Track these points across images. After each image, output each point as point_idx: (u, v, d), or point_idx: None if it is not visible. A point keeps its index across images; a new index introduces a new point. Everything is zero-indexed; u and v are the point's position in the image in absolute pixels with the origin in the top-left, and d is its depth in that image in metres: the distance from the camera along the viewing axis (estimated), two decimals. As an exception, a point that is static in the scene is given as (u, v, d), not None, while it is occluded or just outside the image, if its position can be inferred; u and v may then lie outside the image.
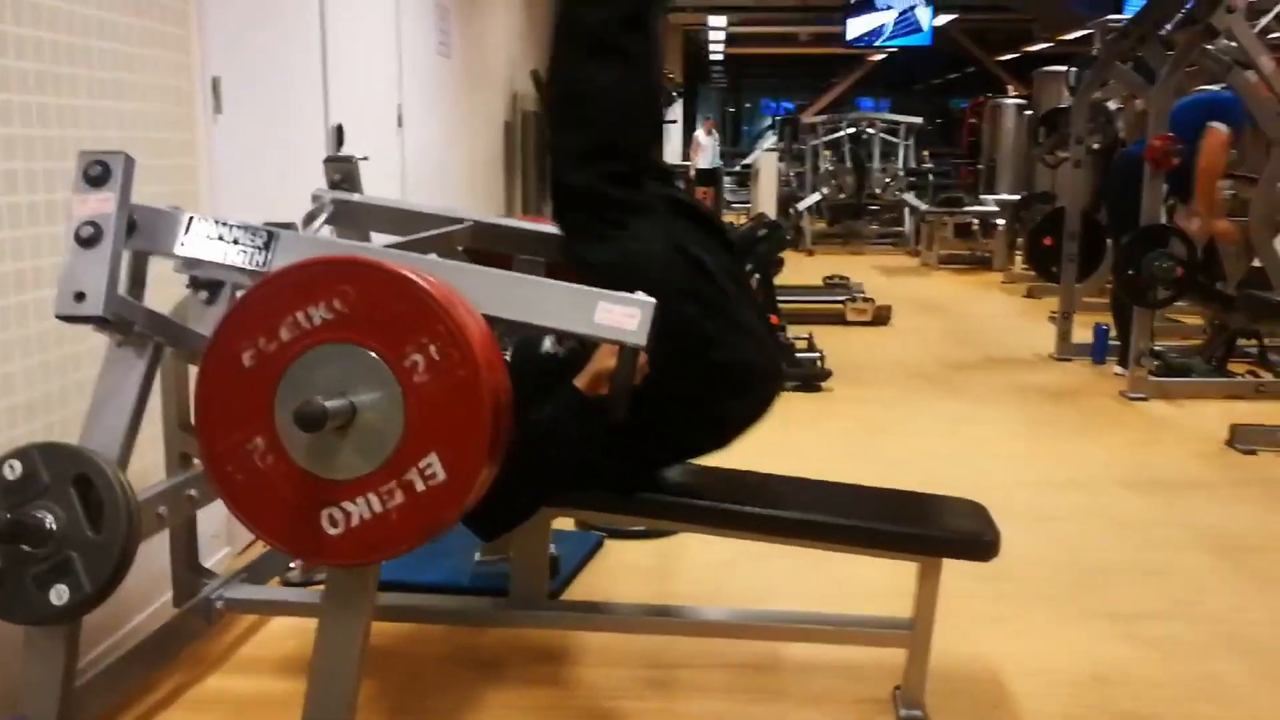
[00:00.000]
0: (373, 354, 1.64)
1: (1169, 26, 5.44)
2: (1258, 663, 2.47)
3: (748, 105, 32.90)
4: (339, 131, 3.78)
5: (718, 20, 16.42)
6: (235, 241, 1.84)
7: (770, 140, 17.19)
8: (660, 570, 3.00)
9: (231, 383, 1.66)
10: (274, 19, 3.32)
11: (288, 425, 1.63)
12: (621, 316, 1.75)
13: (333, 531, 1.66)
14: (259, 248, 1.83)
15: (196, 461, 2.23)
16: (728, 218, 13.58)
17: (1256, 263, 5.17)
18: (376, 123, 4.29)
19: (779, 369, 2.13)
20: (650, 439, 2.05)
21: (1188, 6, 5.35)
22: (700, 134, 17.48)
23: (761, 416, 2.13)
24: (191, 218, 1.85)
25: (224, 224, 1.84)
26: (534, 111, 7.23)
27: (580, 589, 2.85)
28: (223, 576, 2.38)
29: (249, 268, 1.84)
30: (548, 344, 2.14)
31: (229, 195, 2.87)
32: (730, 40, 19.32)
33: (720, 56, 22.07)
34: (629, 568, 3.00)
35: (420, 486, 1.64)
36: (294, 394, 1.63)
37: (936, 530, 2.16)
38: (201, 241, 1.84)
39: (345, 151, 3.55)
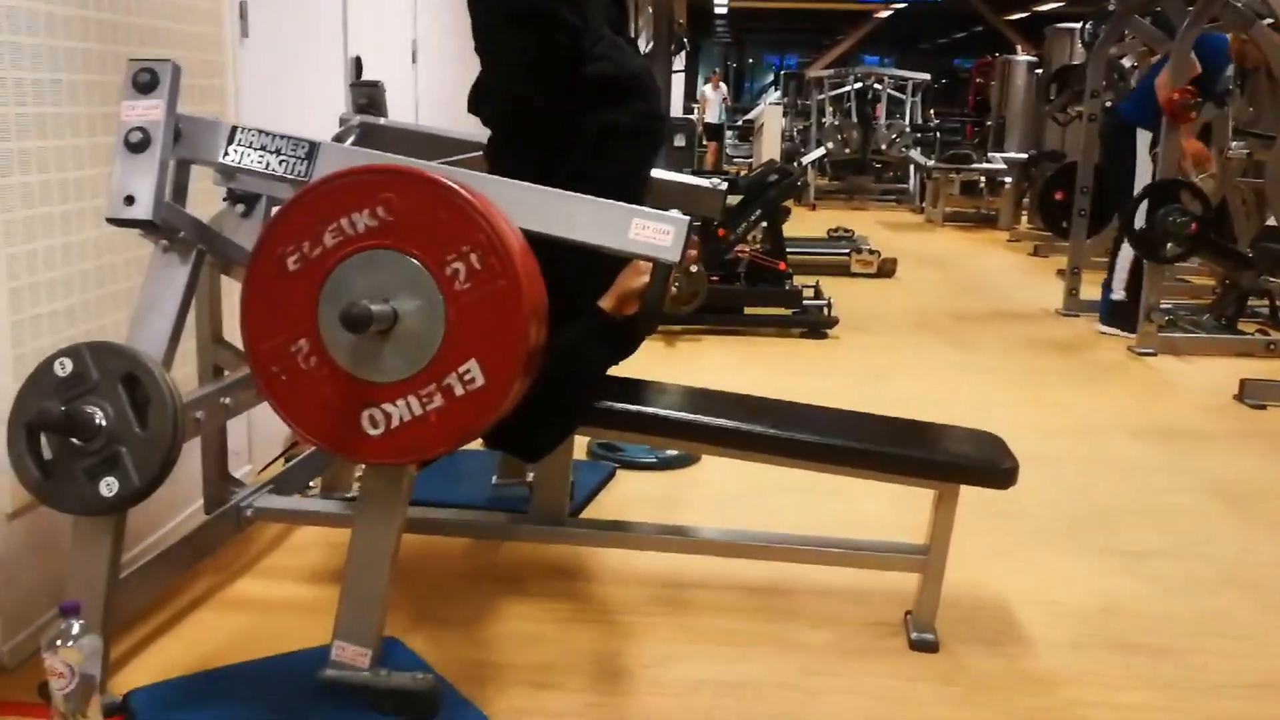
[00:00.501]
0: (415, 261, 1.67)
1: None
2: (1263, 599, 2.54)
3: (750, 60, 32.69)
4: (358, 63, 3.78)
5: (726, -30, 16.28)
6: (278, 152, 1.86)
7: (774, 95, 17.11)
8: (670, 500, 3.06)
9: (276, 286, 1.70)
10: (300, -57, 3.32)
11: (331, 328, 1.67)
12: (655, 233, 1.78)
13: (373, 432, 1.71)
14: (301, 158, 1.85)
15: (228, 373, 2.27)
16: (731, 170, 13.56)
17: (1271, 222, 5.19)
18: (392, 57, 4.29)
19: (652, 88, 2.19)
20: None
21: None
22: (707, 89, 17.37)
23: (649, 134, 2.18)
24: (235, 127, 1.88)
25: (267, 134, 1.86)
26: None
27: (592, 515, 2.90)
28: (252, 486, 2.43)
29: (290, 177, 1.86)
30: None
31: (252, 120, 2.87)
32: (737, -9, 19.18)
33: (724, 10, 21.90)
34: (640, 498, 3.05)
35: (459, 391, 1.68)
36: (337, 298, 1.67)
37: (956, 456, 2.21)
38: (245, 151, 1.87)
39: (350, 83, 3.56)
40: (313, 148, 1.85)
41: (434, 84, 4.86)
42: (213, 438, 2.36)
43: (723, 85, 17.78)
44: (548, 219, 1.80)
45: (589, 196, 1.84)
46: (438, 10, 4.98)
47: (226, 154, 1.87)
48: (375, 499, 1.84)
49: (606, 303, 2.02)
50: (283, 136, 1.87)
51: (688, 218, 1.78)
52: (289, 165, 1.86)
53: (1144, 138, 5.23)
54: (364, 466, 3.04)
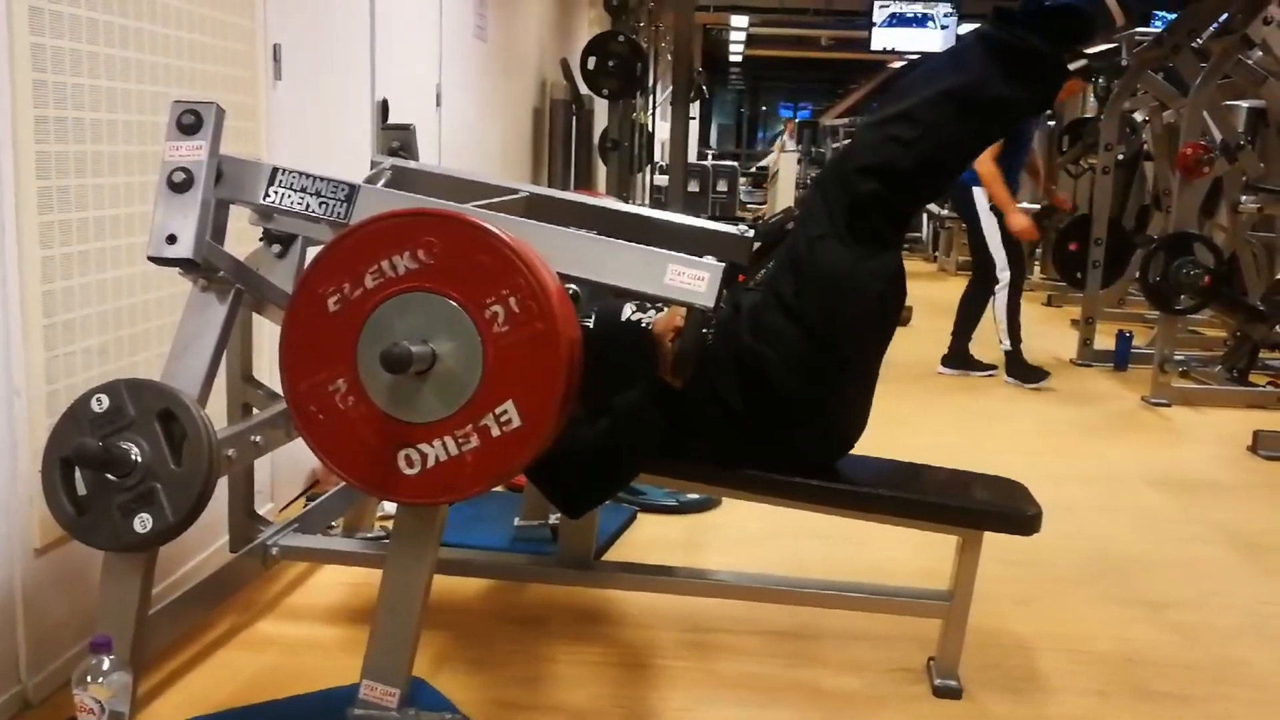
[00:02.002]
0: (455, 303, 1.69)
1: (1202, 38, 5.49)
2: (1282, 650, 2.53)
3: (764, 108, 32.95)
4: (384, 106, 3.84)
5: (739, 20, 16.45)
6: (318, 194, 1.90)
7: (789, 143, 17.24)
8: (691, 544, 3.06)
9: (316, 325, 1.72)
10: (331, -9, 3.39)
11: (370, 368, 1.69)
12: (691, 279, 1.81)
13: (409, 471, 1.72)
14: (340, 200, 1.89)
15: (256, 411, 2.29)
16: (743, 214, 13.63)
17: (1280, 275, 5.22)
18: (417, 100, 4.35)
19: (850, 446, 2.24)
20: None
21: (1223, 17, 5.40)
22: (785, 138, 17.37)
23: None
24: (276, 169, 1.91)
25: (308, 176, 1.90)
26: (563, 100, 7.29)
27: (614, 559, 2.90)
28: (277, 525, 2.44)
29: (329, 219, 1.89)
30: (628, 310, 2.20)
31: (282, 161, 2.92)
32: (750, 41, 19.35)
33: (739, 58, 22.12)
34: (661, 541, 3.05)
35: (496, 432, 1.70)
36: (377, 339, 1.69)
37: (980, 503, 2.21)
38: (286, 192, 1.90)
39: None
40: (352, 190, 1.89)
41: (457, 127, 4.94)
42: (240, 476, 2.38)
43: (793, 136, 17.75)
44: (586, 263, 1.83)
45: (626, 243, 1.88)
46: (462, 55, 5.07)
47: (267, 195, 1.90)
48: (407, 538, 1.86)
49: (656, 326, 2.06)
50: (323, 179, 1.90)
51: (722, 264, 1.81)
52: (328, 207, 1.89)
53: (980, 194, 5.32)
54: (391, 506, 3.07)
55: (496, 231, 1.70)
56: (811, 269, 2.00)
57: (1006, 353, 5.43)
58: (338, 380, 1.72)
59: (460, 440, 1.70)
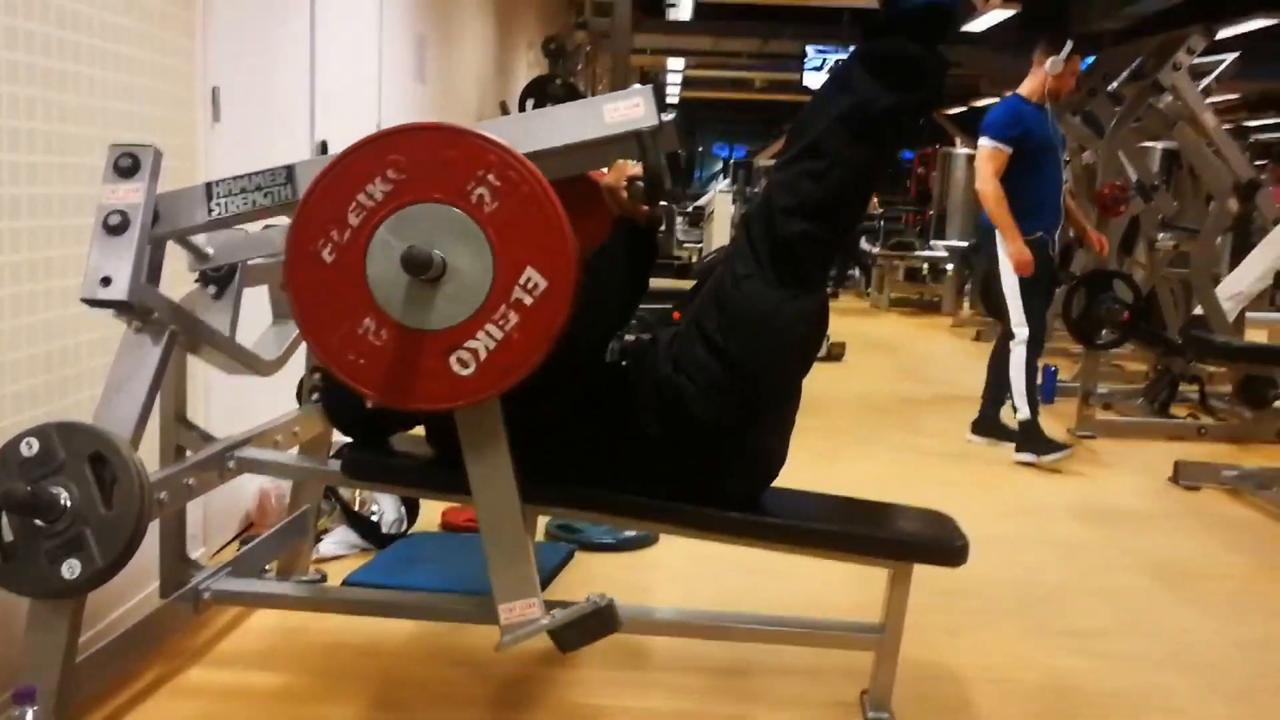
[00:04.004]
0: (440, 204, 1.74)
1: (1116, 83, 5.71)
2: (1204, 678, 2.60)
3: (699, 149, 33.30)
4: (324, 147, 3.84)
5: (675, 63, 16.68)
6: (259, 188, 1.91)
7: (724, 182, 17.44)
8: (630, 581, 3.07)
9: (321, 280, 1.75)
10: (270, 36, 3.39)
11: (388, 296, 1.74)
12: (629, 110, 1.87)
13: (466, 372, 1.76)
14: (283, 183, 1.91)
15: (190, 453, 2.28)
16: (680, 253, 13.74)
17: (1197, 311, 5.39)
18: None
19: (772, 476, 2.28)
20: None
21: (1135, 63, 5.63)
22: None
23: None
24: (209, 184, 1.93)
25: (242, 176, 1.92)
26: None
27: (552, 597, 2.90)
28: (210, 568, 2.42)
29: (281, 204, 1.91)
30: (610, 355, 2.24)
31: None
32: (686, 84, 19.62)
33: (675, 100, 22.39)
34: (600, 579, 3.06)
35: (529, 300, 1.75)
36: (383, 268, 1.73)
37: (908, 535, 2.26)
38: (228, 200, 1.91)
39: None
40: (290, 170, 1.91)
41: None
42: (172, 519, 2.35)
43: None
44: (534, 136, 1.86)
45: (562, 106, 1.95)
46: (402, 97, 5.08)
47: (211, 210, 1.91)
48: (478, 444, 1.90)
49: (608, 179, 2.08)
50: (257, 173, 1.92)
51: (649, 86, 1.89)
52: (274, 194, 1.91)
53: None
54: (327, 547, 3.06)
55: (452, 125, 1.77)
56: (737, 307, 2.04)
57: (1022, 422, 4.72)
58: (364, 321, 1.75)
59: (500, 322, 1.75)
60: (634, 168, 1.98)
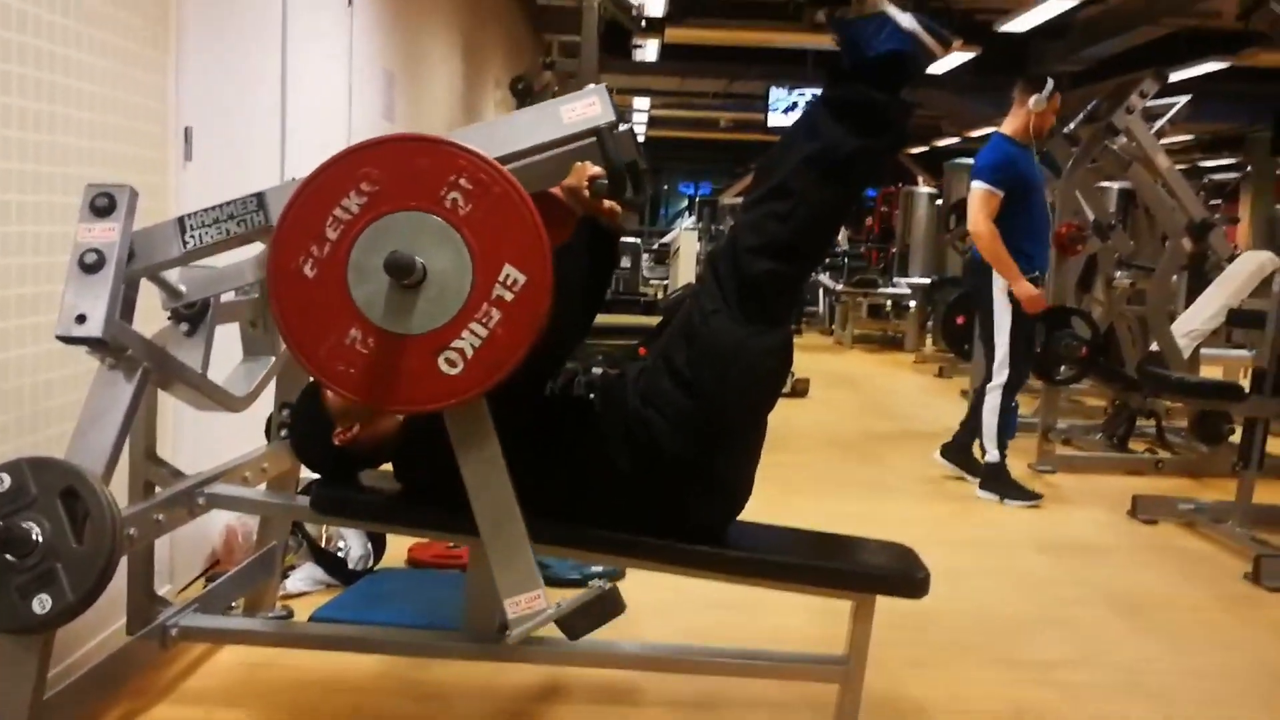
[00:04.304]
0: (416, 211, 1.78)
1: (1073, 124, 5.85)
2: (1160, 705, 2.66)
3: (665, 186, 33.56)
4: (291, 185, 3.88)
5: (641, 103, 16.85)
6: (231, 217, 1.95)
7: (689, 220, 17.59)
8: (597, 616, 3.09)
9: (304, 295, 1.79)
10: (241, 76, 3.43)
11: (372, 304, 1.78)
12: (585, 109, 1.95)
13: (454, 371, 1.80)
14: (255, 210, 1.95)
15: (159, 490, 2.28)
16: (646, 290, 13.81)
17: (1154, 347, 5.51)
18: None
19: (738, 508, 2.31)
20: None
21: (1091, 105, 5.78)
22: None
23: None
24: (182, 218, 1.96)
25: (214, 207, 1.95)
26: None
27: (521, 632, 2.92)
28: (177, 605, 2.42)
29: (255, 230, 1.95)
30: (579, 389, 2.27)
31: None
32: (652, 123, 19.81)
33: (642, 139, 22.60)
34: (567, 613, 3.08)
35: (509, 296, 1.79)
36: (364, 278, 1.77)
37: (871, 568, 2.31)
38: (201, 232, 1.94)
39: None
40: (260, 196, 1.95)
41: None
42: (140, 556, 2.35)
43: None
44: (497, 141, 1.92)
45: (521, 111, 2.02)
46: (372, 134, 5.13)
47: (185, 243, 1.94)
48: (468, 441, 1.93)
49: (569, 180, 2.08)
50: (228, 202, 1.96)
51: (603, 84, 1.95)
52: (247, 222, 1.95)
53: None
54: (295, 584, 3.06)
55: (421, 135, 1.83)
56: (705, 342, 2.09)
57: (989, 464, 4.74)
58: (350, 331, 1.78)
59: (484, 320, 1.78)
60: (593, 169, 2.03)
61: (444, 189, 1.78)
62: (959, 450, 5.01)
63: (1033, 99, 4.71)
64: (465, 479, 1.95)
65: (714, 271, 2.16)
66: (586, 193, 2.03)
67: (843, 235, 13.89)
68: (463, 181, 1.78)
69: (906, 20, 2.10)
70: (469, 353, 1.80)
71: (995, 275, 4.65)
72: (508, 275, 1.78)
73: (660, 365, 2.13)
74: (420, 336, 1.80)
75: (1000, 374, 4.72)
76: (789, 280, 2.17)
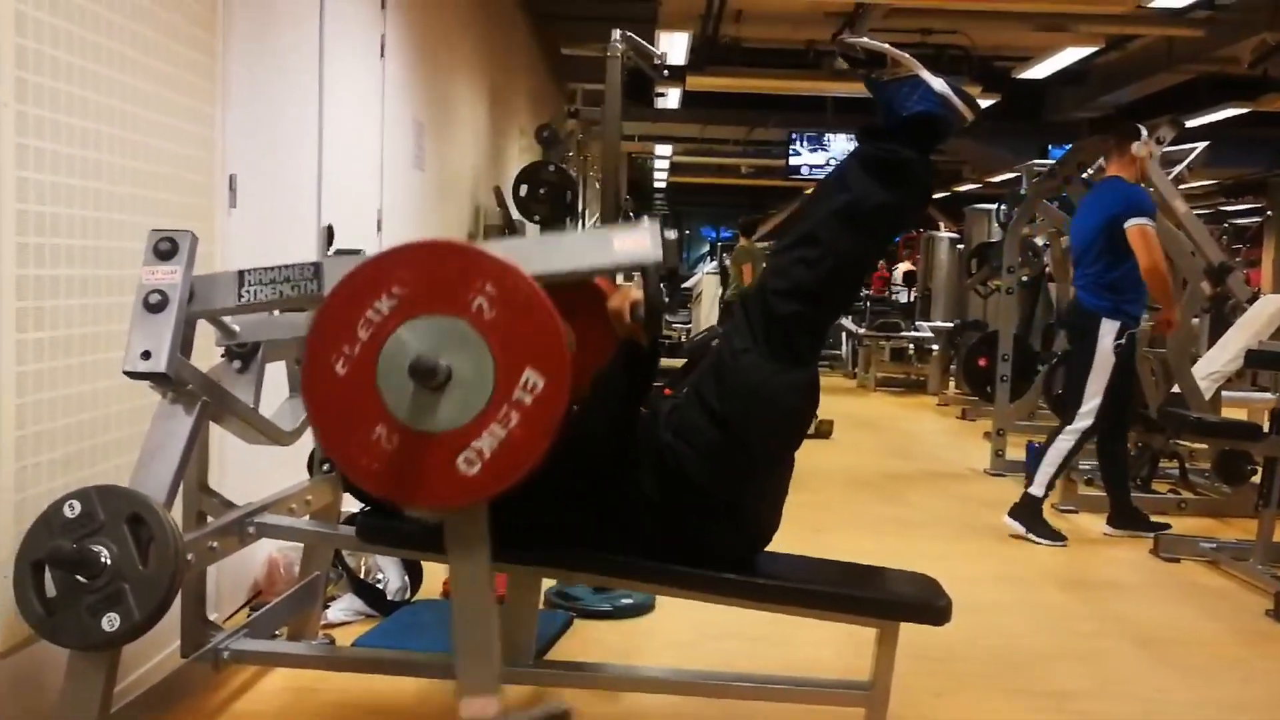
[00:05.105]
0: (444, 315, 1.88)
1: (1091, 170, 5.95)
2: (1178, 735, 2.72)
3: (687, 231, 33.82)
4: (329, 231, 4.02)
5: (664, 149, 17.09)
6: (287, 280, 2.07)
7: (710, 264, 17.75)
8: (625, 647, 3.17)
9: (335, 391, 1.89)
10: (282, 125, 3.59)
11: (399, 404, 1.87)
12: (635, 242, 2.03)
13: (473, 471, 1.88)
14: (310, 278, 2.06)
15: (211, 519, 2.40)
16: (670, 333, 13.93)
17: (1175, 389, 5.56)
18: (359, 225, 4.54)
19: (764, 541, 2.40)
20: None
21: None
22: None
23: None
24: (243, 272, 2.08)
25: (273, 268, 2.07)
26: (496, 225, 7.55)
27: (552, 659, 3.00)
28: (228, 630, 2.52)
29: (306, 296, 2.07)
30: None
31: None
32: (674, 169, 20.07)
33: (663, 184, 22.86)
34: (597, 645, 3.16)
35: (528, 400, 1.87)
36: (393, 377, 1.87)
37: (894, 595, 2.38)
38: (258, 289, 2.06)
39: (332, 251, 3.80)
40: (318, 266, 2.07)
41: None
42: (193, 582, 2.46)
43: None
44: (541, 259, 2.01)
45: (569, 233, 2.06)
46: (401, 183, 5.29)
47: (241, 296, 2.06)
48: (461, 541, 2.01)
49: (611, 303, 2.19)
50: (287, 266, 2.08)
51: (658, 219, 2.03)
52: (301, 287, 2.06)
53: (1111, 327, 4.71)
54: (335, 613, 3.15)
55: (452, 242, 1.94)
56: (735, 378, 2.19)
57: (1030, 495, 4.78)
58: (376, 429, 1.88)
59: (503, 421, 1.87)
60: (636, 292, 2.14)
61: (471, 294, 1.87)
62: (1124, 513, 4.91)
63: (1135, 145, 4.83)
64: (451, 576, 2.03)
65: (744, 312, 2.27)
66: (628, 317, 2.14)
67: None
68: (489, 288, 1.87)
69: (939, 84, 2.23)
70: (487, 454, 1.88)
71: (1106, 323, 4.67)
72: (528, 379, 1.87)
73: (692, 399, 2.23)
74: (442, 435, 1.88)
75: (1083, 420, 4.72)
76: (814, 323, 2.27)
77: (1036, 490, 4.77)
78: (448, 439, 1.88)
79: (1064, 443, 4.79)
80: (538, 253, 2.04)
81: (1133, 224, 4.68)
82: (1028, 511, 4.76)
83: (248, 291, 2.08)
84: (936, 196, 17.36)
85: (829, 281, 2.23)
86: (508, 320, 1.87)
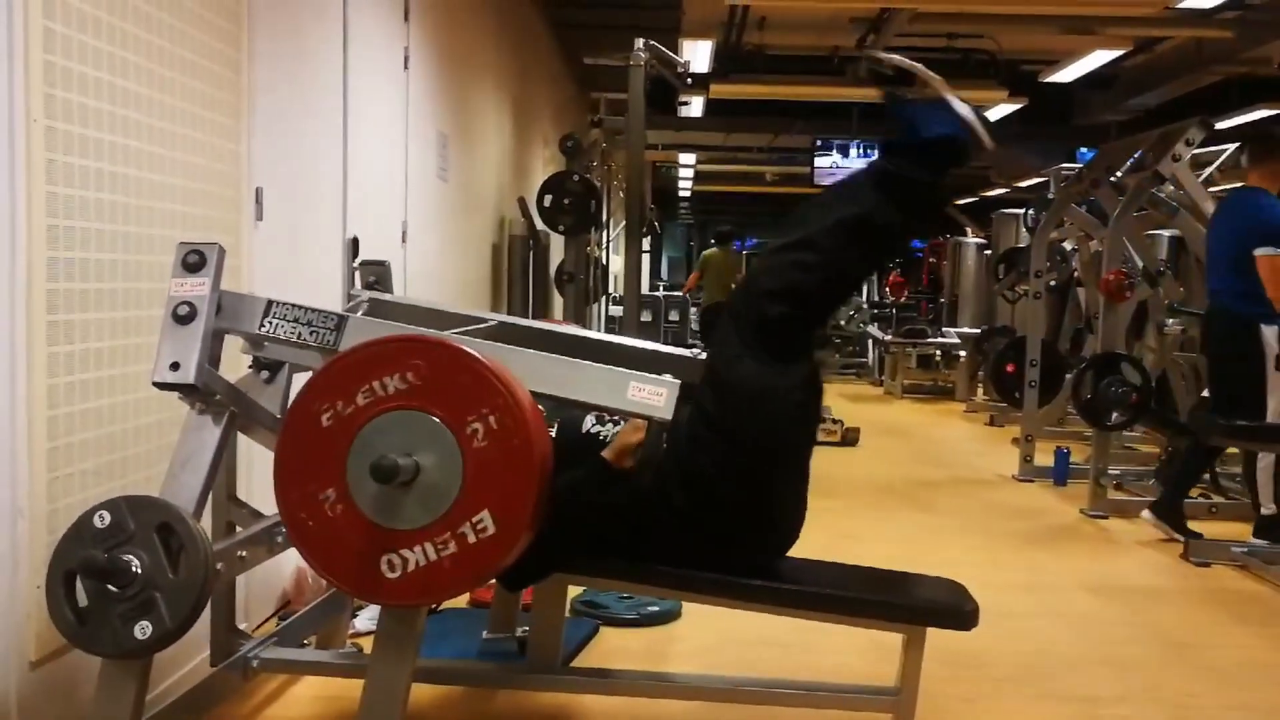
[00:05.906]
0: (439, 420, 1.88)
1: (1119, 173, 5.92)
2: (1210, 741, 2.69)
3: (712, 240, 33.82)
4: (355, 243, 4.06)
5: (687, 158, 17.10)
6: (309, 324, 2.09)
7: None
8: (652, 654, 3.17)
9: (310, 439, 1.89)
10: (307, 138, 3.62)
11: (358, 479, 1.86)
12: (651, 394, 2.01)
13: (391, 575, 1.87)
14: (330, 329, 2.08)
15: (239, 529, 2.42)
16: (695, 342, 13.92)
17: (1206, 393, 5.50)
18: (384, 237, 4.58)
19: (790, 542, 2.40)
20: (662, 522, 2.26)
21: (1137, 154, 5.84)
22: None
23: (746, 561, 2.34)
24: (271, 301, 2.10)
25: (300, 307, 2.09)
26: (520, 235, 7.58)
27: (579, 666, 3.00)
28: (257, 638, 2.54)
29: (319, 346, 2.08)
30: (589, 422, 2.38)
31: (260, 293, 3.11)
32: (698, 178, 20.07)
33: (688, 193, 22.86)
34: (623, 653, 3.16)
35: (472, 539, 1.86)
36: (365, 453, 1.86)
37: (922, 600, 2.38)
38: (279, 323, 2.09)
39: (358, 263, 3.83)
40: (341, 320, 2.08)
41: (422, 262, 5.17)
42: (223, 591, 2.49)
43: None
44: (556, 382, 2.03)
45: (591, 363, 2.07)
46: (426, 195, 5.33)
47: (263, 325, 2.09)
48: (389, 639, 2.00)
49: (609, 453, 2.22)
50: (314, 310, 2.10)
51: (679, 381, 2.00)
52: (319, 335, 2.08)
53: (1272, 334, 4.54)
54: (362, 623, 3.17)
55: (478, 356, 1.90)
56: (731, 387, 2.17)
57: (1265, 516, 4.60)
58: (327, 490, 1.88)
59: (439, 546, 1.86)
60: (639, 434, 2.18)
61: (472, 416, 1.87)
62: (1169, 509, 4.87)
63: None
64: (369, 670, 2.02)
65: (732, 318, 2.26)
66: (629, 457, 2.19)
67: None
68: (492, 419, 1.86)
69: (964, 109, 2.23)
70: (410, 567, 1.87)
71: (1266, 332, 4.53)
72: (481, 520, 1.86)
73: (696, 413, 2.23)
74: (380, 528, 1.88)
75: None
76: (802, 325, 2.26)
77: (1269, 509, 4.58)
78: (382, 534, 1.87)
79: (1267, 459, 4.59)
80: (556, 374, 2.06)
81: (1262, 253, 4.52)
82: (1269, 530, 4.55)
83: (269, 323, 2.11)
84: (963, 202, 17.28)
85: (821, 289, 2.23)
86: (493, 457, 1.86)
